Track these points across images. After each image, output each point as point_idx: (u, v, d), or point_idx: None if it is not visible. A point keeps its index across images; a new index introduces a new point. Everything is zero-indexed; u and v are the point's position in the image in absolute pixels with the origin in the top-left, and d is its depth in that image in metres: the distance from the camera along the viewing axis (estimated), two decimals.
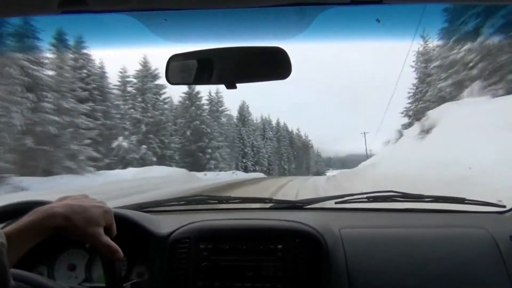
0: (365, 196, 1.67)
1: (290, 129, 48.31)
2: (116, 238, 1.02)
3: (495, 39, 14.54)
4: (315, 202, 1.71)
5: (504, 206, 1.57)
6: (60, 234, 0.89)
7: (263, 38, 1.16)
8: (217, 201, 1.77)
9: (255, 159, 41.27)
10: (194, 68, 1.14)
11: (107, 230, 0.95)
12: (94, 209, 0.93)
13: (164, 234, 1.37)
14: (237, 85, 1.10)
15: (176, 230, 1.38)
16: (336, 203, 1.69)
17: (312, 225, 1.34)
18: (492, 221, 1.47)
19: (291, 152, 42.87)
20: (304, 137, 52.54)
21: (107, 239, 0.93)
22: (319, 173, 50.55)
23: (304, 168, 44.06)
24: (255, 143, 41.48)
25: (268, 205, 1.75)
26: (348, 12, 1.06)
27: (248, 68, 1.10)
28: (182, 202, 1.75)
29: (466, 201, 1.57)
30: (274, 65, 1.09)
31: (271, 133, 42.58)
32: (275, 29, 1.11)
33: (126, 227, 1.32)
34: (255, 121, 43.92)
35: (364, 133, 48.68)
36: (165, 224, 1.43)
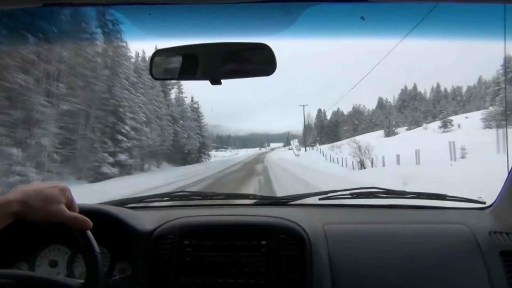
0: (348, 192, 1.69)
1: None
2: (99, 234, 1.00)
3: None
4: (299, 198, 1.72)
5: (484, 203, 1.60)
6: (39, 227, 0.88)
7: (248, 34, 1.16)
8: (200, 197, 1.76)
9: None
10: (178, 63, 1.13)
11: (69, 208, 0.94)
12: (50, 189, 0.92)
13: (148, 230, 1.36)
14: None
15: (160, 226, 1.37)
16: (320, 199, 1.70)
17: (296, 221, 1.35)
18: (472, 217, 1.50)
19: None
20: None
21: (71, 212, 0.93)
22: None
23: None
24: None
25: (252, 201, 1.75)
26: (333, 9, 1.06)
27: (233, 64, 1.09)
28: (165, 198, 1.74)
29: (447, 198, 1.60)
30: (259, 61, 1.09)
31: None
32: (260, 25, 1.11)
33: (108, 223, 1.31)
34: None
35: (303, 106, 48.53)
36: (148, 220, 1.42)
